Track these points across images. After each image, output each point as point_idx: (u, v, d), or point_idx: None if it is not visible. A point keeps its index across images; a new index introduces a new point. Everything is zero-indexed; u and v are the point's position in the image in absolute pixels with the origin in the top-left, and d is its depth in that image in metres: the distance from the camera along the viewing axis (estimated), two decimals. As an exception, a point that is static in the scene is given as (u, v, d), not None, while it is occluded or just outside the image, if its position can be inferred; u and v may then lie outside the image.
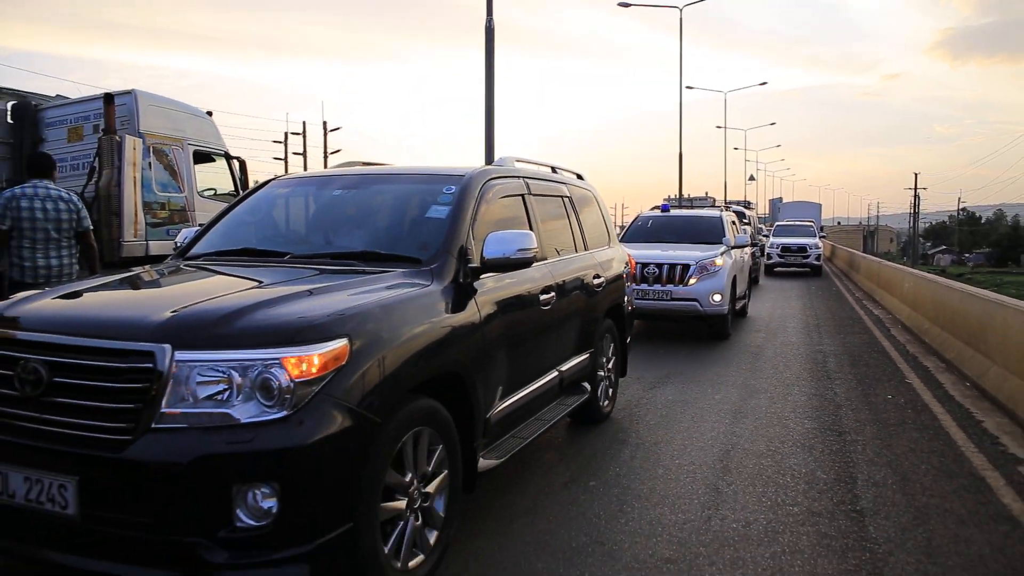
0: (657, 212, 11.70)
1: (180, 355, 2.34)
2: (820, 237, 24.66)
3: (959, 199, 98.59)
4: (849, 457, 4.59)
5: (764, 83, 43.52)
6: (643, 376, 6.75)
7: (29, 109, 9.25)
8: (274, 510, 2.28)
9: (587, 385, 4.80)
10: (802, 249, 22.07)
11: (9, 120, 9.17)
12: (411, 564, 2.74)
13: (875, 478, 4.21)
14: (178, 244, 4.14)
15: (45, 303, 2.89)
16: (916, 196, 77.40)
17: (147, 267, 3.83)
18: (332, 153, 39.11)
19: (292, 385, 2.33)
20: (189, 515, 2.28)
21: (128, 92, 8.68)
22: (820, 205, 56.04)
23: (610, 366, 5.37)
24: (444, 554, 2.93)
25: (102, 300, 3.10)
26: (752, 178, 59.36)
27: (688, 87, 33.61)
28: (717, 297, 8.80)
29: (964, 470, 4.39)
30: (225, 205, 5.72)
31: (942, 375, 7.22)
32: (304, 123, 38.53)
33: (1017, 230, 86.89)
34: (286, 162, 37.90)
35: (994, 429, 5.26)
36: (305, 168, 37.69)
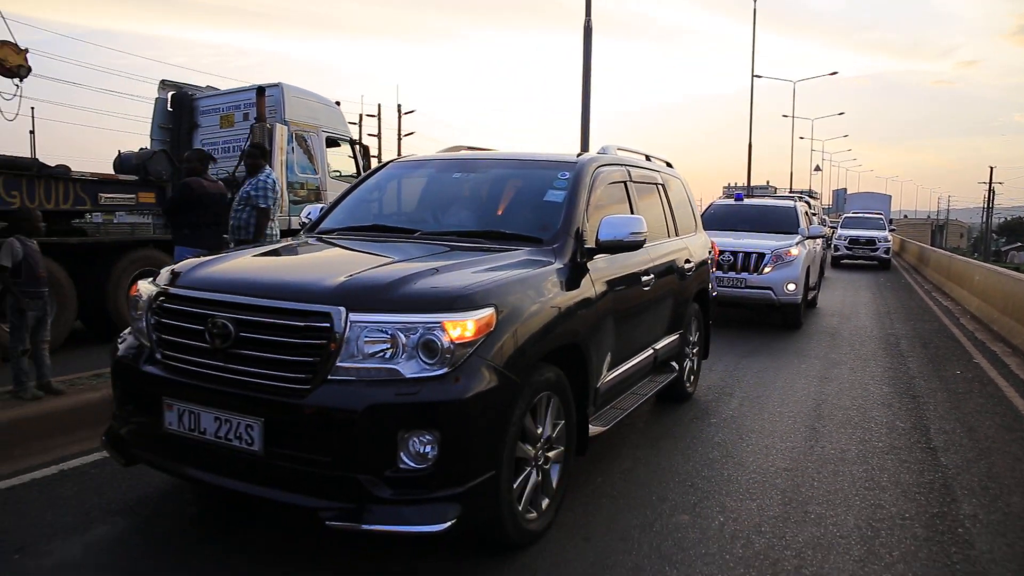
0: (730, 201, 12.31)
1: (353, 316, 2.60)
2: (890, 230, 24.50)
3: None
4: (922, 413, 5.49)
5: (835, 73, 41.86)
6: (733, 349, 7.71)
7: (187, 99, 10.52)
8: (431, 455, 2.55)
9: (675, 364, 5.05)
10: (871, 242, 21.91)
11: (169, 108, 10.54)
12: (535, 513, 3.07)
13: (945, 428, 5.12)
14: (306, 221, 4.38)
15: (228, 266, 3.20)
16: (991, 190, 74.70)
17: (289, 239, 4.13)
18: (406, 135, 40.41)
19: (452, 346, 2.59)
20: (360, 455, 2.55)
21: (275, 85, 9.84)
22: (889, 197, 54.75)
23: (695, 348, 5.61)
24: (561, 505, 3.26)
25: (277, 266, 3.46)
26: (818, 168, 58.46)
27: (757, 76, 33.53)
28: (791, 286, 9.03)
29: (1023, 427, 5.25)
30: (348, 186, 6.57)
31: (1008, 358, 7.94)
32: (379, 105, 39.90)
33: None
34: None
35: (1053, 402, 6.06)
36: (379, 149, 39.14)
